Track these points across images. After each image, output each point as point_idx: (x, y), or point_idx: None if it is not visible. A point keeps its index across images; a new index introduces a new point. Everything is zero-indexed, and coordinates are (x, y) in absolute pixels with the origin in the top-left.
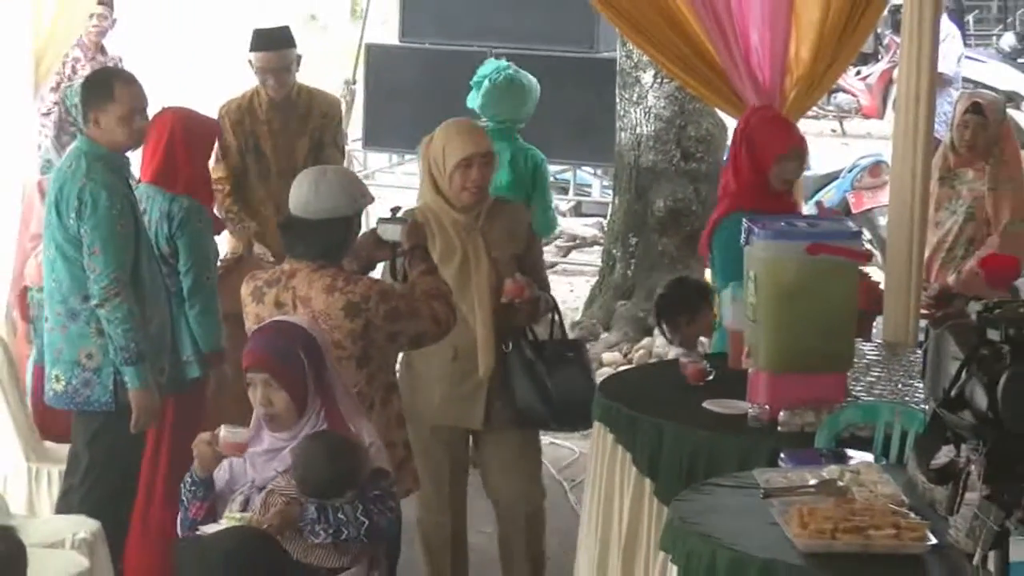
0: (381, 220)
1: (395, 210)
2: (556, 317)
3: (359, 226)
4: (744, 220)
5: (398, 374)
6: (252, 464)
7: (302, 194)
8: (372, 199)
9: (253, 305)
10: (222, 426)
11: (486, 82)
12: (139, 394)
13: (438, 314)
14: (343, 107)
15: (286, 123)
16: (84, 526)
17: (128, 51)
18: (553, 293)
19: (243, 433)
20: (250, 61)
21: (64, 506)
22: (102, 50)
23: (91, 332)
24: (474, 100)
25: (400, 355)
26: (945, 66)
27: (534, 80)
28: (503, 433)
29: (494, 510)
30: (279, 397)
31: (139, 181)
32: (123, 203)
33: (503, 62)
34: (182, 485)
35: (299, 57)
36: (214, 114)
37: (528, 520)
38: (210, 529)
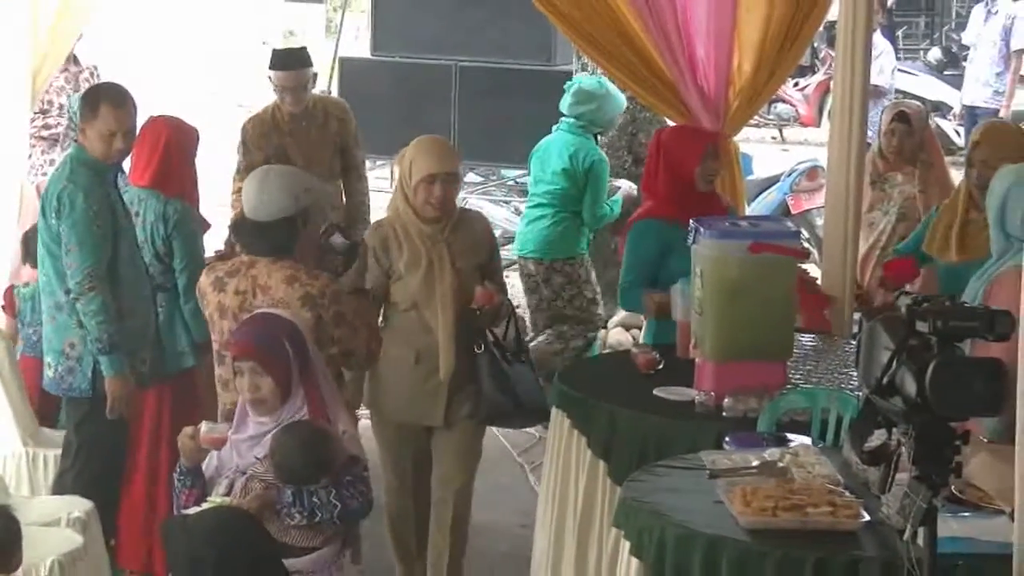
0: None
1: (332, 226)
2: (514, 320)
3: (307, 221)
4: (692, 223)
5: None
6: (237, 450)
7: (249, 197)
8: (318, 194)
9: (215, 294)
10: (203, 422)
11: (575, 87)
12: (113, 382)
13: (372, 345)
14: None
15: (308, 133)
16: (78, 506)
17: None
18: (512, 289)
19: (221, 428)
20: (269, 78)
21: (59, 487)
22: (74, 60)
23: (73, 323)
24: (564, 102)
25: None
26: (881, 79)
27: (619, 94)
28: (458, 426)
29: (433, 485)
30: (265, 383)
31: (127, 184)
32: (101, 204)
33: (596, 76)
34: (173, 475)
35: (315, 75)
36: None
37: (456, 495)
38: (194, 511)
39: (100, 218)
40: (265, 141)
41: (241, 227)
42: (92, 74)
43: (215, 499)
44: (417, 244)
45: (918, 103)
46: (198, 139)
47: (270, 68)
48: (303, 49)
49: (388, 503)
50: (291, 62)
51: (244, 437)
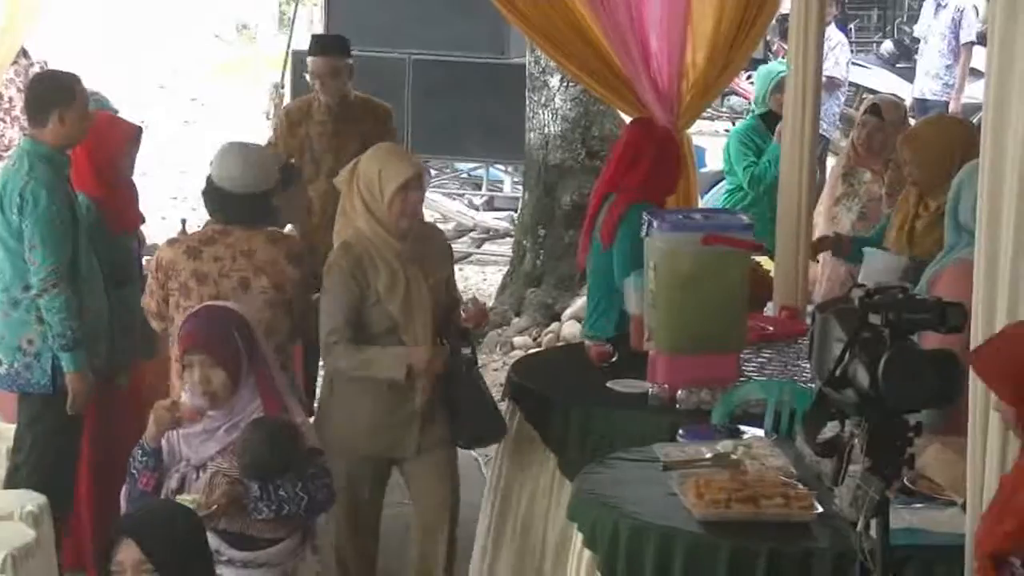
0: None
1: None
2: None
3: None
4: (643, 213)
5: (316, 404)
6: (187, 443)
7: (226, 168)
8: (285, 174)
9: (190, 262)
10: (183, 392)
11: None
12: (75, 378)
13: (310, 331)
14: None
15: (338, 127)
16: (31, 500)
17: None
18: (467, 282)
19: (201, 398)
20: (306, 65)
21: (12, 482)
22: (24, 54)
23: (32, 320)
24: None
25: (325, 375)
26: (836, 71)
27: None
28: (432, 452)
29: (416, 509)
30: (216, 375)
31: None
32: (62, 201)
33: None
34: (131, 458)
35: (350, 67)
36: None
37: (451, 520)
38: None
39: (62, 215)
40: (298, 128)
41: (216, 194)
42: (42, 68)
43: (184, 498)
44: (394, 265)
45: (898, 99)
46: (136, 137)
47: (308, 54)
48: (340, 37)
49: (341, 547)
50: (323, 48)
51: (196, 431)
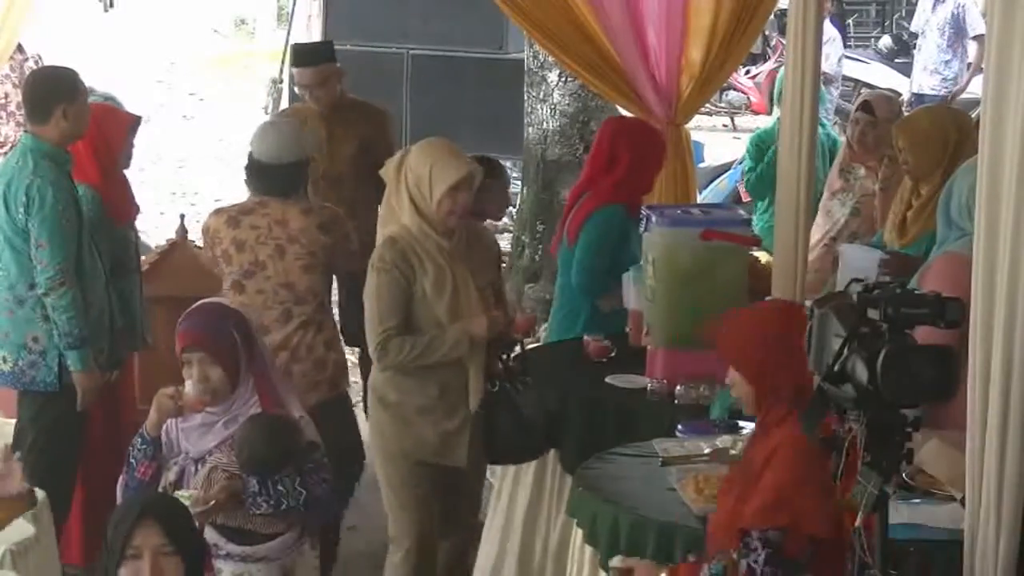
0: None
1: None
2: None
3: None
4: (644, 210)
5: (370, 410)
6: (186, 437)
7: (264, 142)
8: (314, 150)
9: (229, 230)
10: (187, 381)
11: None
12: (83, 376)
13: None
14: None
15: (333, 131)
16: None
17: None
18: None
19: (203, 390)
20: (292, 76)
21: None
22: (19, 48)
23: (37, 317)
24: None
25: (371, 391)
26: (827, 66)
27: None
28: (474, 465)
29: (447, 527)
30: (215, 372)
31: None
32: (67, 198)
33: None
34: (131, 447)
35: (339, 71)
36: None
37: (477, 532)
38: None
39: (68, 213)
40: None
41: (257, 168)
42: (37, 62)
43: (183, 494)
44: (440, 262)
45: (892, 93)
46: (134, 126)
47: (290, 64)
48: (324, 44)
49: (415, 550)
50: (306, 58)
51: (194, 425)
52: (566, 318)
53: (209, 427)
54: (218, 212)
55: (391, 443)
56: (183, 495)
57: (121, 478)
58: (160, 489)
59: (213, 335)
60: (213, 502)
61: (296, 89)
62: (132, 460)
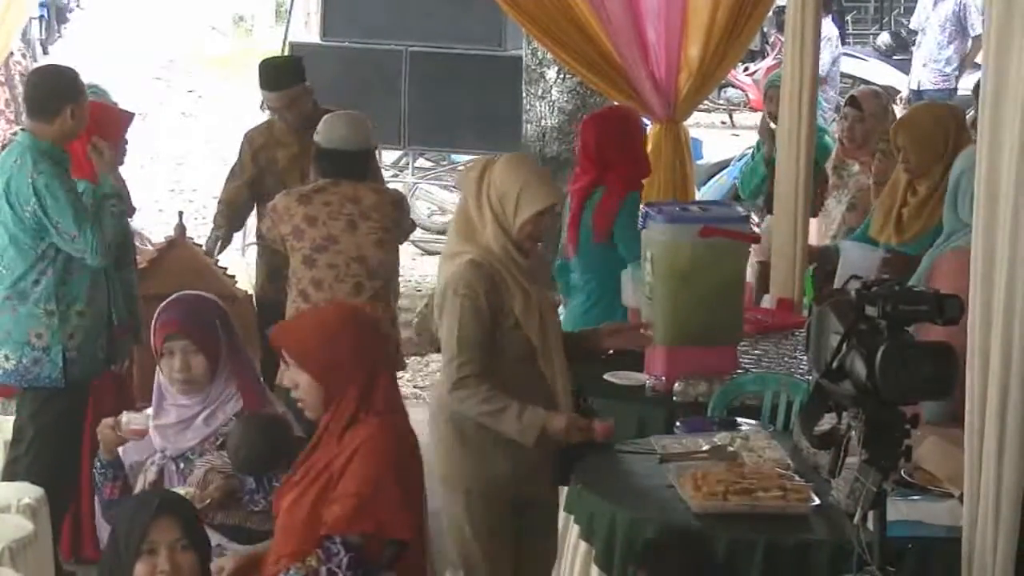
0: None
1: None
2: None
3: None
4: (643, 207)
5: (444, 446)
6: (162, 435)
7: (335, 130)
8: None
9: (300, 207)
10: (124, 412)
11: None
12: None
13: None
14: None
15: (304, 146)
16: (28, 492)
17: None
18: None
19: (141, 419)
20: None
21: (10, 474)
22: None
23: (40, 313)
24: None
25: (448, 423)
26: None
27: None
28: (551, 497)
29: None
30: (197, 361)
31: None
32: (73, 189)
33: None
34: (92, 470)
35: (307, 91)
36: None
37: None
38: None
39: (80, 199)
40: (262, 152)
41: (327, 155)
42: (24, 55)
43: (179, 490)
44: (525, 286)
45: (877, 88)
46: (126, 123)
47: (259, 85)
48: (291, 63)
49: None
50: (271, 82)
51: (170, 422)
52: (603, 312)
53: (187, 424)
54: (287, 192)
55: (467, 469)
56: (180, 492)
57: (95, 499)
58: (137, 491)
59: (196, 322)
60: (208, 500)
61: (266, 109)
62: (97, 483)
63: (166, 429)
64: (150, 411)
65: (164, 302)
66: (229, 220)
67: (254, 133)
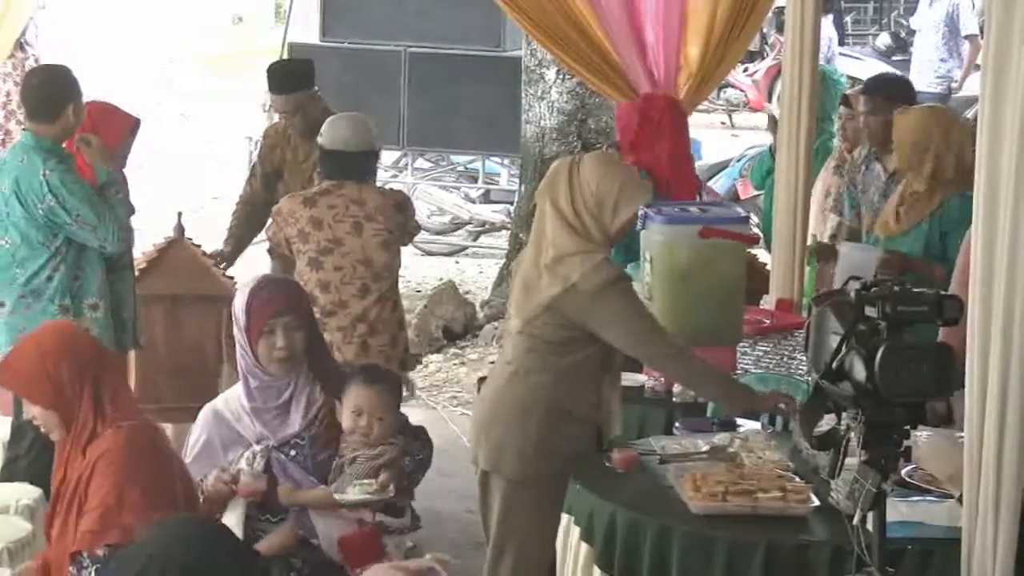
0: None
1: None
2: None
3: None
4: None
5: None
6: (260, 420)
7: (339, 132)
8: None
9: (306, 210)
10: (240, 471)
11: None
12: None
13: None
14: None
15: (311, 150)
16: (26, 493)
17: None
18: (464, 275)
19: (262, 479)
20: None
21: (8, 475)
22: (20, 47)
23: (56, 309)
24: None
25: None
26: None
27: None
28: None
29: None
30: (299, 337)
31: None
32: (85, 181)
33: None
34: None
35: (315, 98)
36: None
37: None
38: (341, 496)
39: (92, 191)
40: (273, 153)
41: (333, 155)
42: (37, 60)
43: (364, 482)
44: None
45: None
46: (134, 128)
47: (267, 88)
48: (301, 67)
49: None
50: (276, 86)
51: (272, 406)
52: None
53: (283, 408)
54: (292, 196)
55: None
56: (364, 484)
57: None
58: (249, 480)
59: (296, 299)
60: (391, 485)
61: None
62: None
63: (264, 413)
64: (243, 466)
65: (252, 285)
66: (243, 224)
67: (269, 130)
